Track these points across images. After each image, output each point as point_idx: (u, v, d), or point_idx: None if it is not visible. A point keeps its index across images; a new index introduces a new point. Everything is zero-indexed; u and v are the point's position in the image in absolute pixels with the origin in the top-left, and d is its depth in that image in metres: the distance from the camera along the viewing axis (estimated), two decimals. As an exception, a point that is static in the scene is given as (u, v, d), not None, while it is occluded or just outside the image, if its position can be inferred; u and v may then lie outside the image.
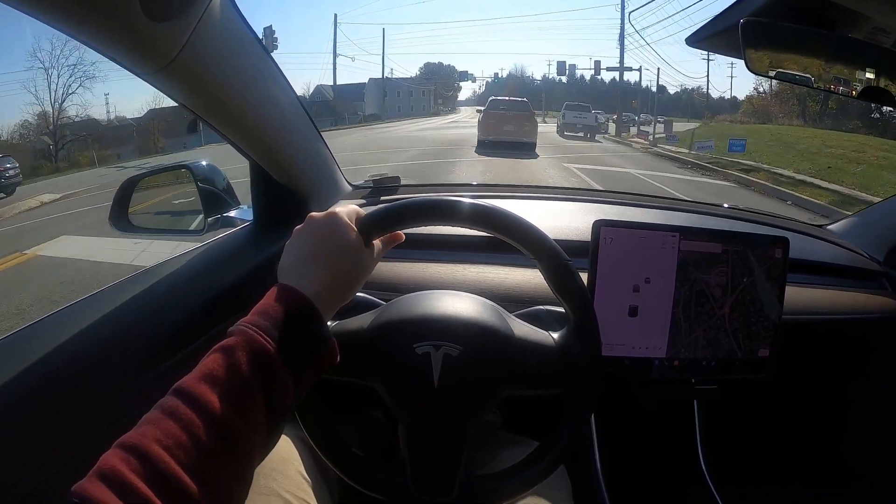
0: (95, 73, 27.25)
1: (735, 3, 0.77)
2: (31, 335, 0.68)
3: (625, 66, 30.08)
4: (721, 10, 0.79)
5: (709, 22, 0.79)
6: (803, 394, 1.24)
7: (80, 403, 0.65)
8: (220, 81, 0.73)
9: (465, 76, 43.81)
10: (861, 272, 1.14)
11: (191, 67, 0.66)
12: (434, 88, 63.44)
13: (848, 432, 1.25)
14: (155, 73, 0.65)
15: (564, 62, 34.05)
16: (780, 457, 1.27)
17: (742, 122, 24.19)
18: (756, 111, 25.03)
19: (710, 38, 0.80)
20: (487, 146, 12.95)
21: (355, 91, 51.83)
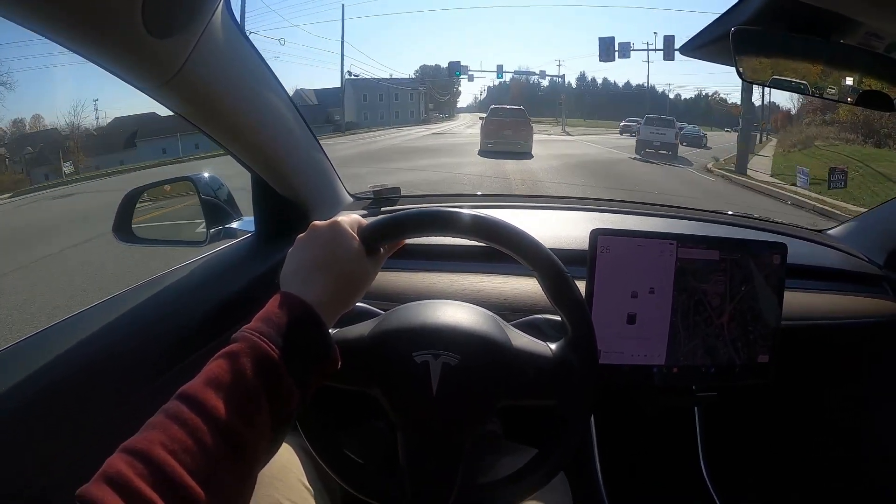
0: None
1: (727, 11, 0.78)
2: (40, 342, 0.69)
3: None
4: (713, 19, 0.80)
5: (702, 30, 0.80)
6: (806, 399, 1.24)
7: (86, 409, 0.66)
8: (221, 95, 0.75)
9: (459, 68, 31.58)
10: (861, 276, 1.14)
11: (193, 82, 0.68)
12: (425, 91, 53.84)
13: (852, 437, 1.24)
14: (157, 88, 0.66)
15: (612, 39, 22.90)
16: (782, 462, 1.26)
17: (850, 140, 14.87)
18: (856, 124, 14.93)
19: (704, 46, 0.81)
20: (489, 150, 14.28)
21: (333, 95, 43.79)
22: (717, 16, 0.80)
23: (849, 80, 0.82)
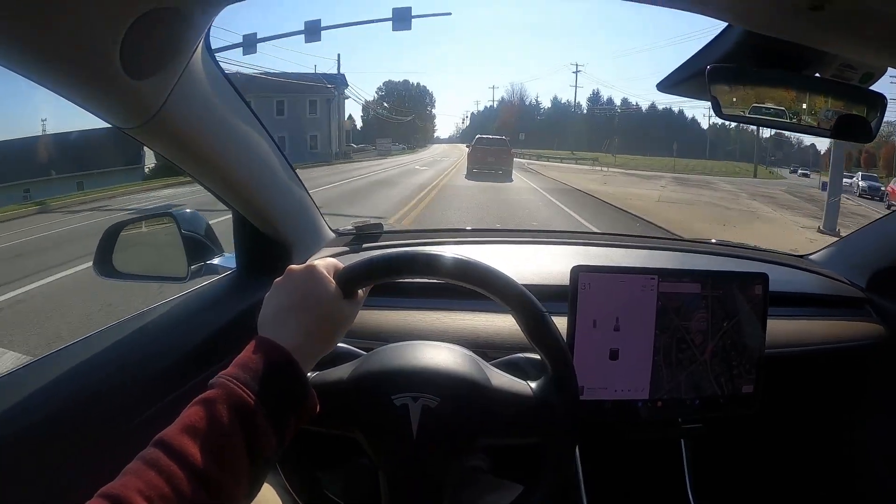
0: None
1: (702, 48, 0.79)
2: (15, 381, 0.68)
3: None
4: (689, 56, 0.81)
5: (678, 68, 0.81)
6: (794, 427, 1.24)
7: (63, 450, 0.65)
8: (201, 134, 0.75)
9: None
10: (845, 300, 1.15)
11: (172, 122, 0.68)
12: (339, 93, 31.51)
13: (841, 463, 1.24)
14: (137, 128, 0.66)
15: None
16: (771, 491, 1.25)
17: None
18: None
19: (680, 83, 0.82)
20: (474, 173, 17.20)
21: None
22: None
23: (826, 113, 0.82)
